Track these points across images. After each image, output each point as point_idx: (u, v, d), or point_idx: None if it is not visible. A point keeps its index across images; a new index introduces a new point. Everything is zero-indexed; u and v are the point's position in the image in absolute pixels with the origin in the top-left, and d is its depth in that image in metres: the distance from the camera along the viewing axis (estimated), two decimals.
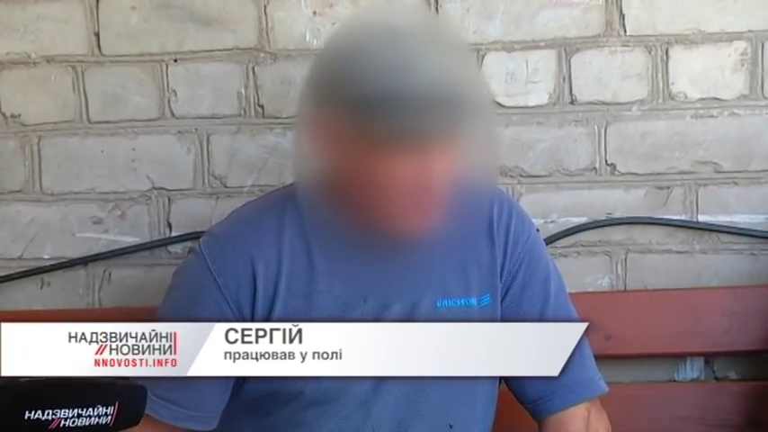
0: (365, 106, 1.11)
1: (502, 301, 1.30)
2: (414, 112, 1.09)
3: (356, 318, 1.25)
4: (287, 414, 1.27)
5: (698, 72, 1.70)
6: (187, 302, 1.27)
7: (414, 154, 1.12)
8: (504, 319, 1.29)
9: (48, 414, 0.89)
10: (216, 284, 1.24)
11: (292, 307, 1.24)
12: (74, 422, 0.91)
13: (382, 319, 1.25)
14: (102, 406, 0.91)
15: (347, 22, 1.32)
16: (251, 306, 1.25)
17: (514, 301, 1.31)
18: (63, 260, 1.76)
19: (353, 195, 1.19)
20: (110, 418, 0.91)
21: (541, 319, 1.30)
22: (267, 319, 1.23)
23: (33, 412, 0.89)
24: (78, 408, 0.90)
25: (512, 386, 1.33)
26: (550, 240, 1.70)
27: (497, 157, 1.32)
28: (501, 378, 1.34)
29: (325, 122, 1.15)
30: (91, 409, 0.91)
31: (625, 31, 1.69)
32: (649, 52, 1.70)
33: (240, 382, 1.28)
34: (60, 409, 0.89)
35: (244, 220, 1.30)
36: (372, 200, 1.17)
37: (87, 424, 0.91)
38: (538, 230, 1.36)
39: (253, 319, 1.24)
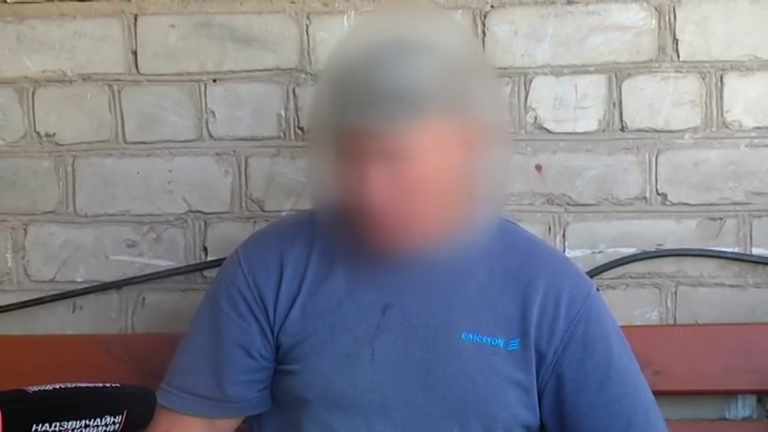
0: (344, 112, 1.18)
1: (562, 359, 1.27)
2: (378, 105, 1.15)
3: (375, 329, 1.27)
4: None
5: (753, 100, 1.66)
6: (217, 294, 1.34)
7: (382, 157, 1.17)
8: (565, 378, 1.27)
9: (55, 426, 0.91)
10: (245, 281, 1.31)
11: (311, 308, 1.29)
12: None
13: (402, 337, 1.27)
14: (110, 415, 0.95)
15: (338, 48, 1.33)
16: (274, 303, 1.29)
17: (575, 360, 1.28)
18: (96, 283, 1.73)
19: (350, 213, 1.23)
20: (117, 425, 0.95)
21: (605, 381, 1.27)
22: (286, 317, 1.28)
23: (41, 425, 0.91)
24: (86, 419, 0.93)
25: None
26: (598, 272, 1.66)
27: (492, 174, 1.28)
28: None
29: (327, 140, 1.23)
30: (98, 419, 0.94)
31: (678, 57, 1.66)
32: (703, 79, 1.66)
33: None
34: (68, 421, 0.92)
35: (281, 224, 1.40)
36: (358, 216, 1.21)
37: None
38: (598, 289, 1.33)
39: (275, 315, 1.29)
